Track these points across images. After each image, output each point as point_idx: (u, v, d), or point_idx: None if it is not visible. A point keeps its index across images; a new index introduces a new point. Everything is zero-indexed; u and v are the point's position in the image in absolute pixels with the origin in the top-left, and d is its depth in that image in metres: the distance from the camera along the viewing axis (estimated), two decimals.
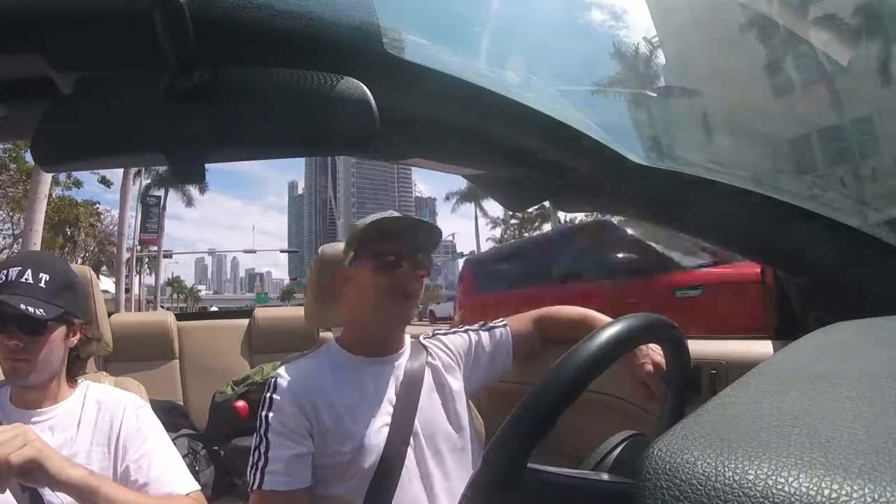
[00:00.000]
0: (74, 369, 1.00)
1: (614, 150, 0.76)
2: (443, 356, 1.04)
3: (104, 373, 1.24)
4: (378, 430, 0.90)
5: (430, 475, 0.92)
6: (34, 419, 0.89)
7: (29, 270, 0.89)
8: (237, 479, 1.78)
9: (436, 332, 1.11)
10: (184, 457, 1.05)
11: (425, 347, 1.04)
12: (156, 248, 26.01)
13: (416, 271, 0.94)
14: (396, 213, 1.00)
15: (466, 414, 1.01)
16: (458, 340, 1.08)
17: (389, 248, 0.93)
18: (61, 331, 0.92)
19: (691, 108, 1.06)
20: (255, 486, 0.84)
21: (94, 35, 0.40)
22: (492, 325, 1.12)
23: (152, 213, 24.25)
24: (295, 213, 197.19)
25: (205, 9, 0.39)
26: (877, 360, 0.39)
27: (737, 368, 1.05)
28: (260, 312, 2.37)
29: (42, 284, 0.90)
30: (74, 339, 0.97)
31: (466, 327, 1.12)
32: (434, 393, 0.98)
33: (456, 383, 1.02)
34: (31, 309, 0.85)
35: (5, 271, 0.89)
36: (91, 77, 0.41)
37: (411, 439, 0.91)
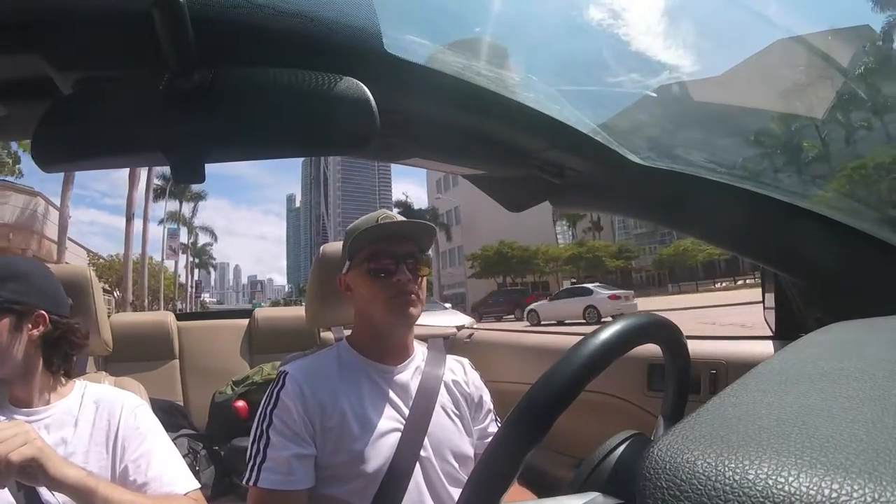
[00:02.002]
0: (55, 363, 0.95)
1: (614, 150, 0.76)
2: (462, 382, 1.01)
3: (104, 373, 1.23)
4: (385, 438, 0.88)
5: (436, 489, 0.90)
6: (30, 418, 0.89)
7: None
8: (237, 479, 1.78)
9: (465, 361, 1.08)
10: (184, 457, 1.04)
11: (447, 364, 1.01)
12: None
13: (413, 274, 0.92)
14: (388, 213, 0.98)
15: (473, 437, 0.99)
16: (483, 392, 1.04)
17: (383, 253, 0.92)
18: (8, 321, 0.89)
19: (691, 108, 1.06)
20: (252, 483, 0.84)
21: (94, 35, 0.40)
22: (494, 419, 1.06)
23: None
24: (293, 224, 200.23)
25: (205, 8, 0.39)
26: (877, 360, 0.39)
27: (737, 368, 1.05)
28: (260, 312, 2.36)
29: None
30: (36, 331, 0.92)
31: (487, 392, 1.07)
32: (447, 410, 0.96)
33: (465, 410, 1.00)
34: None
35: None
36: (91, 77, 0.41)
37: (421, 452, 0.90)
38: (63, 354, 0.97)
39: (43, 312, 0.93)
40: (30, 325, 0.91)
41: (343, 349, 0.98)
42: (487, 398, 1.05)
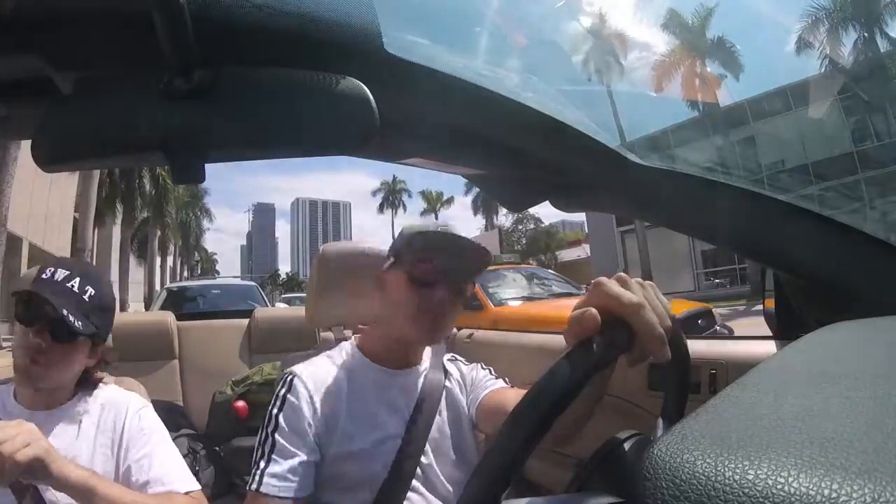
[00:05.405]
0: (84, 386, 0.99)
1: (614, 150, 0.76)
2: (456, 382, 1.00)
3: (104, 373, 1.24)
4: (387, 443, 0.87)
5: (439, 493, 0.89)
6: (37, 418, 0.90)
7: (77, 279, 0.88)
8: (237, 479, 1.78)
9: (455, 357, 1.06)
10: (184, 457, 1.05)
11: (445, 368, 1.00)
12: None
13: (452, 295, 0.88)
14: (451, 228, 0.95)
15: (473, 441, 0.98)
16: (473, 373, 1.03)
17: (430, 264, 0.87)
18: (86, 347, 0.92)
19: (692, 108, 1.06)
20: (254, 488, 0.81)
21: (94, 35, 0.40)
22: (494, 377, 1.02)
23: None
24: None
25: (204, 9, 0.39)
26: (877, 360, 0.39)
27: (737, 368, 1.05)
28: (260, 313, 2.37)
29: (86, 297, 0.89)
30: (93, 360, 0.96)
31: (480, 364, 1.05)
32: (448, 415, 0.95)
33: (465, 410, 0.98)
34: (71, 318, 0.84)
35: (51, 269, 0.89)
36: (91, 77, 0.41)
37: (422, 458, 0.88)
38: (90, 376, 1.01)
39: (105, 346, 0.99)
40: (92, 354, 0.96)
41: (351, 352, 0.97)
42: (477, 370, 1.03)
